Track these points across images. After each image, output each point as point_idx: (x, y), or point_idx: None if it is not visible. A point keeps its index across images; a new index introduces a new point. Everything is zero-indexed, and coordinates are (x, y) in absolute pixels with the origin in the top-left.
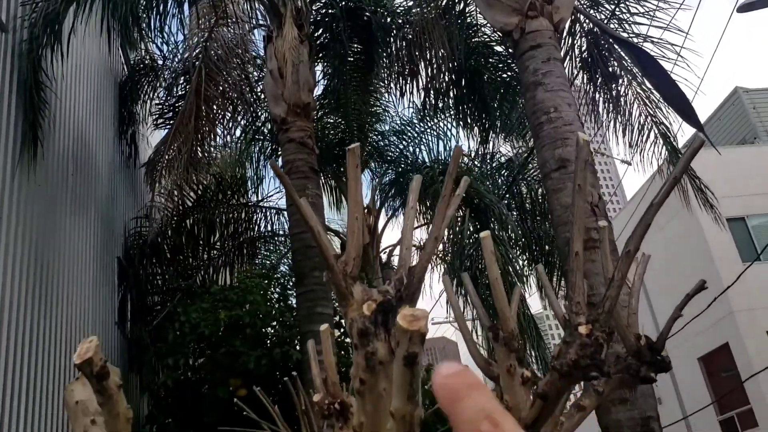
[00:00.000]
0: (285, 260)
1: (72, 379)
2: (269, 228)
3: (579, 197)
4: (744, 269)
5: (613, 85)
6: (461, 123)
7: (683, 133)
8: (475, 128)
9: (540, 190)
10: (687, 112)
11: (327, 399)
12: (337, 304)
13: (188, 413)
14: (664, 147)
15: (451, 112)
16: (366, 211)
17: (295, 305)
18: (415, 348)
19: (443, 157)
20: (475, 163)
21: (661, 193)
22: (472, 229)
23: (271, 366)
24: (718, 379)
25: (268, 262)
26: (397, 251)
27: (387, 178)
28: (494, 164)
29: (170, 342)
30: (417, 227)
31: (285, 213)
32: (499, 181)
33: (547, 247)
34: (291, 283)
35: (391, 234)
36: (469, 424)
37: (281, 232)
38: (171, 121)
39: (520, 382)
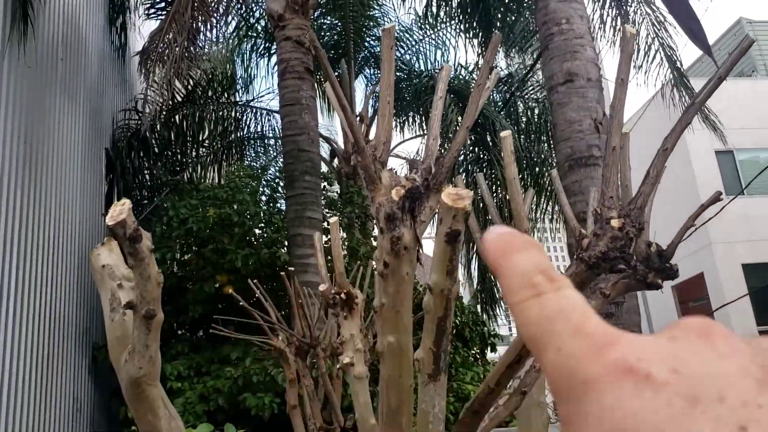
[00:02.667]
0: (274, 163)
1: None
2: (259, 129)
3: (621, 91)
4: (727, 202)
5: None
6: (463, 33)
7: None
8: (476, 40)
9: (537, 109)
10: (696, 33)
11: (333, 289)
12: (327, 209)
13: (173, 307)
14: (669, 69)
15: (453, 22)
16: (358, 117)
17: (283, 208)
18: (458, 225)
19: (440, 67)
20: (474, 75)
21: (703, 93)
22: (468, 141)
23: (258, 266)
24: (689, 308)
25: (255, 164)
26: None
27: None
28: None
29: (157, 236)
30: (412, 138)
31: (276, 115)
32: (497, 96)
33: (537, 169)
34: (281, 186)
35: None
36: (522, 277)
37: (270, 134)
38: (163, 12)
39: None
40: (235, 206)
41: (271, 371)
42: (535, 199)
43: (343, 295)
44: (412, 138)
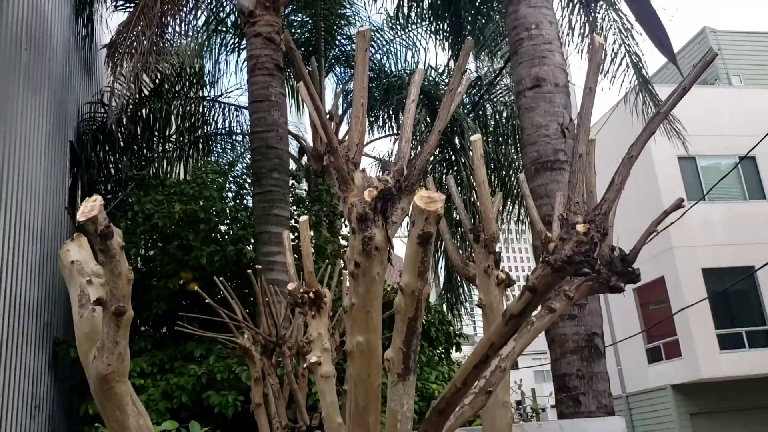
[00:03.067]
0: (241, 159)
1: (25, 259)
2: (226, 125)
3: (588, 100)
4: (689, 207)
5: (592, 7)
6: (433, 34)
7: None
8: (446, 42)
9: (505, 113)
10: (662, 41)
11: (302, 288)
12: (295, 207)
13: (136, 303)
14: (635, 76)
15: (423, 23)
16: (328, 116)
17: (250, 205)
18: (430, 228)
19: (411, 68)
20: (444, 77)
21: (668, 103)
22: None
23: (223, 263)
24: (649, 310)
25: (222, 160)
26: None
27: (352, 84)
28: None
29: (122, 231)
30: (381, 138)
31: (244, 111)
32: (465, 99)
33: (504, 172)
34: (247, 183)
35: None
36: None
37: (238, 131)
38: (132, 4)
39: (496, 283)
40: (201, 202)
41: (235, 369)
42: (501, 201)
43: (311, 294)
44: (381, 137)
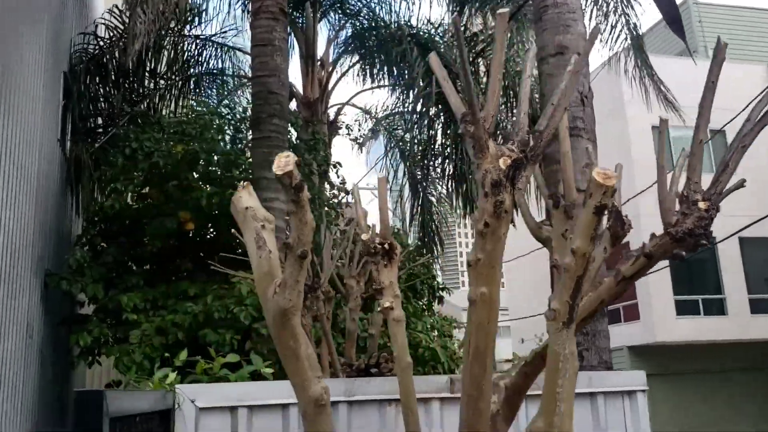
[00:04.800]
0: (233, 103)
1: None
2: (218, 65)
3: (709, 92)
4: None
5: None
6: None
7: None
8: None
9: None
10: (672, 16)
11: (377, 239)
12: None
13: (129, 239)
14: (629, 41)
15: None
16: (320, 63)
17: (247, 150)
18: (606, 201)
19: (406, 19)
20: (440, 33)
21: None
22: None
23: (222, 206)
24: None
25: (212, 101)
26: (345, 110)
27: (346, 33)
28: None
29: (119, 166)
30: (370, 89)
31: (237, 53)
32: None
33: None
34: (244, 127)
35: (341, 91)
36: None
37: (230, 72)
38: None
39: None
40: (203, 145)
41: (233, 309)
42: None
43: (386, 245)
44: (371, 89)
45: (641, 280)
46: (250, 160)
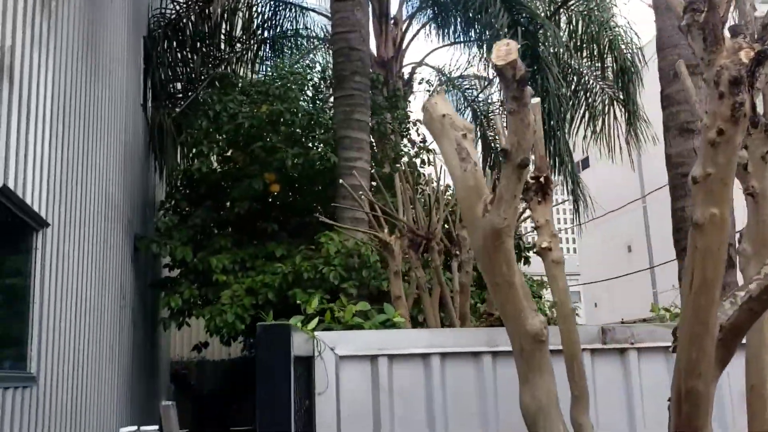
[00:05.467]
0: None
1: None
2: (292, 27)
3: None
4: None
5: None
6: None
7: None
8: None
9: (580, 23)
10: None
11: (534, 173)
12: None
13: (215, 202)
14: None
15: None
16: (393, 22)
17: (327, 110)
18: None
19: None
20: None
21: None
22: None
23: (307, 166)
24: None
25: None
26: (420, 70)
27: None
28: None
29: (203, 129)
30: (444, 46)
31: (310, 13)
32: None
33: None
34: (324, 86)
35: (415, 50)
36: None
37: (304, 34)
38: None
39: None
40: (287, 104)
41: (321, 269)
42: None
43: (542, 179)
44: (445, 46)
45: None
46: (331, 119)
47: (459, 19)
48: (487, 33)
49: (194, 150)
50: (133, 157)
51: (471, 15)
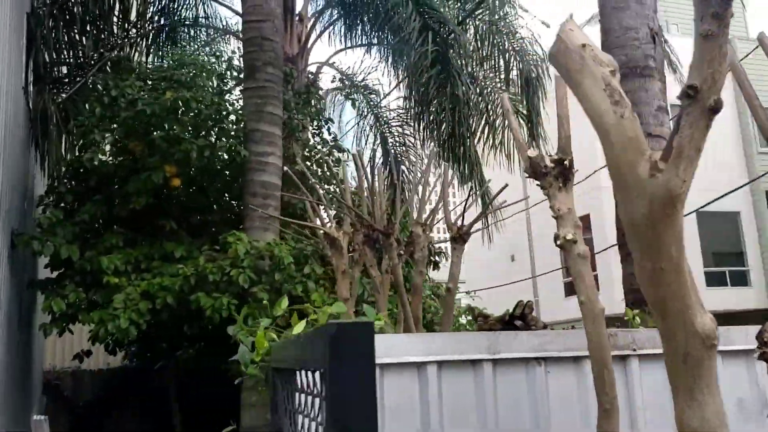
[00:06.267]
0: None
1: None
2: (192, 15)
3: None
4: None
5: None
6: None
7: None
8: None
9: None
10: None
11: (557, 154)
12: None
13: (106, 196)
14: None
15: None
16: (298, 17)
17: (234, 101)
18: None
19: None
20: None
21: None
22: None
23: (212, 160)
24: None
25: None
26: (325, 70)
27: None
28: None
29: (97, 116)
30: (352, 47)
31: (212, 2)
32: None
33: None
34: (231, 77)
35: (322, 49)
36: None
37: (203, 23)
38: None
39: None
40: (191, 92)
41: (228, 271)
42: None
43: (566, 162)
44: (353, 47)
45: (602, 254)
46: (241, 111)
47: (367, 21)
48: (396, 36)
49: (83, 139)
50: (12, 143)
51: (383, 17)
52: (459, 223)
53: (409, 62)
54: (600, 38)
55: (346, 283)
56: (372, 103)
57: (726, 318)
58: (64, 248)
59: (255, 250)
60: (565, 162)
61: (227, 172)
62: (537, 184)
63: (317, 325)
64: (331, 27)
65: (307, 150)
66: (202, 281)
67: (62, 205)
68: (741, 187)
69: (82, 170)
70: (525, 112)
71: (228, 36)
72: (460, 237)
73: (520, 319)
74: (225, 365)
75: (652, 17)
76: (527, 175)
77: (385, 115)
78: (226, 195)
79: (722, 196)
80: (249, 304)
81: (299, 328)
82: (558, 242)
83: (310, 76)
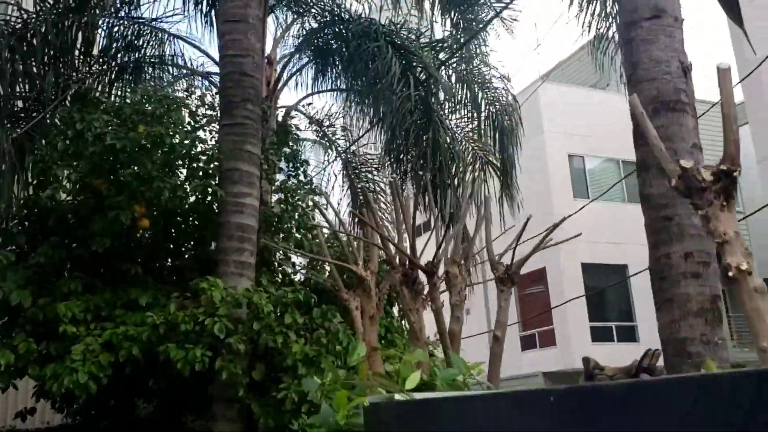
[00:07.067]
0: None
1: None
2: (159, 53)
3: None
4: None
5: None
6: None
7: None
8: None
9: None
10: (731, 5)
11: (723, 164)
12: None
13: (64, 238)
14: None
15: None
16: (267, 61)
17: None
18: None
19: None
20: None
21: None
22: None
23: (184, 200)
24: (526, 298)
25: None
26: (293, 113)
27: (300, 28)
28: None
29: (59, 151)
30: (326, 91)
31: (179, 42)
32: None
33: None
34: (203, 114)
35: (291, 94)
36: None
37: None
38: None
39: None
40: (168, 128)
41: (202, 320)
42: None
43: (732, 175)
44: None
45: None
46: (216, 149)
47: (339, 64)
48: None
49: (42, 176)
50: None
51: (358, 62)
52: (505, 262)
53: (392, 107)
54: (625, 72)
55: (376, 329)
56: (340, 149)
57: None
58: (15, 294)
59: (231, 297)
60: (734, 174)
61: (195, 215)
62: (690, 203)
63: (444, 377)
64: (300, 73)
65: (280, 192)
66: (172, 331)
67: (13, 247)
68: None
69: (36, 210)
70: (498, 163)
71: (194, 77)
72: (508, 278)
73: (647, 371)
74: (193, 420)
75: (681, 51)
76: (676, 191)
77: (354, 161)
78: (196, 237)
79: None
80: (222, 356)
81: (413, 381)
82: (730, 274)
83: (278, 120)
